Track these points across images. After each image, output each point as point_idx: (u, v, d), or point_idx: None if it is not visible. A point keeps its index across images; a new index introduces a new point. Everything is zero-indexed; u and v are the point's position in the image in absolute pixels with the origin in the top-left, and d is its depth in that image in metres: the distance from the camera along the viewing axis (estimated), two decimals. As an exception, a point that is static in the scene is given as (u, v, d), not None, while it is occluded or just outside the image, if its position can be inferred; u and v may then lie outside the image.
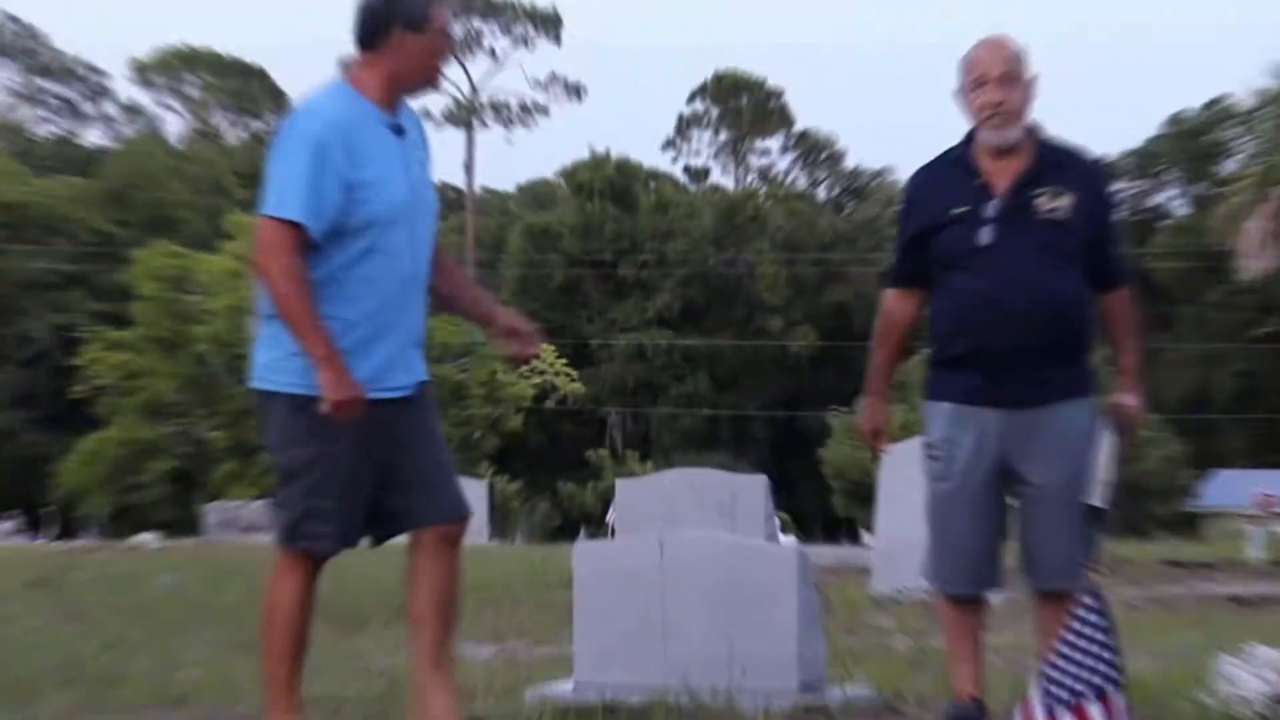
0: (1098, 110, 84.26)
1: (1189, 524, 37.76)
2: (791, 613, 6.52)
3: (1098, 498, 5.72)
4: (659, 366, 52.35)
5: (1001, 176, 5.50)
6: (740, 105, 63.02)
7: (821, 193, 64.65)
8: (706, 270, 53.77)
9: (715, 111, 63.30)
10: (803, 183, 64.70)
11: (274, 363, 5.12)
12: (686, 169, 63.65)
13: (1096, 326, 5.71)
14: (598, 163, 55.11)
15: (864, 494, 32.33)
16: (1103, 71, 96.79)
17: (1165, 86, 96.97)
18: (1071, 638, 4.47)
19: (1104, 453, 5.71)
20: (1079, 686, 4.37)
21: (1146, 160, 55.85)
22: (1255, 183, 24.12)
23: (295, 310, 4.98)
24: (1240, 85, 41.31)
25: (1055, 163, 5.58)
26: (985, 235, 5.46)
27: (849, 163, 64.94)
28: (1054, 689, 4.41)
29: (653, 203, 55.80)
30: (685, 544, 6.81)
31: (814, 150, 64.17)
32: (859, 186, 64.32)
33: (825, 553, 17.04)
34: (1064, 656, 4.46)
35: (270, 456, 5.41)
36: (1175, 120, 55.22)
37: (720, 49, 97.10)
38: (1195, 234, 45.62)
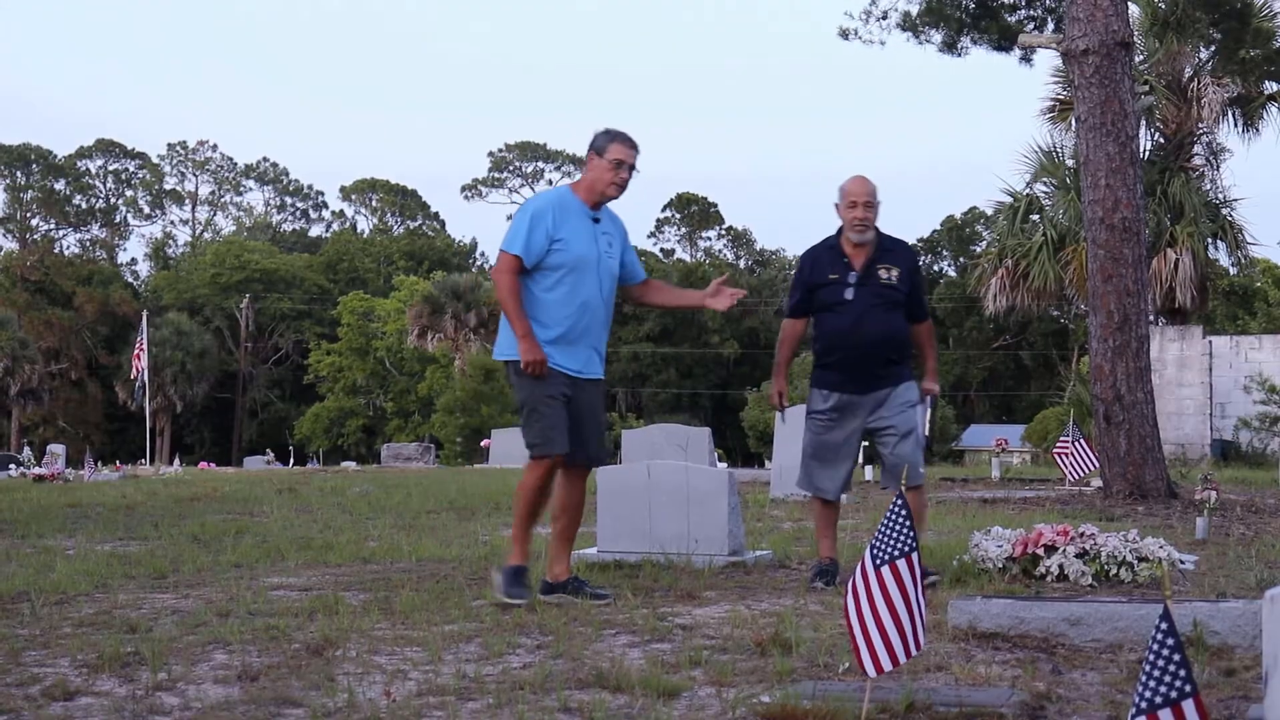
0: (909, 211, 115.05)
1: (957, 456, 51.13)
2: (723, 509, 9.37)
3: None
4: (647, 364, 77.48)
5: (857, 257, 8.36)
6: (692, 211, 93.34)
7: (741, 264, 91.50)
8: (673, 310, 74.71)
9: (678, 215, 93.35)
10: (730, 257, 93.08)
11: (506, 342, 7.72)
12: (661, 249, 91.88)
13: (911, 345, 8.63)
14: None
15: (767, 439, 48.25)
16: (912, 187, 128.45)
17: (942, 198, 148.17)
18: (888, 519, 5.07)
19: (923, 417, 8.82)
20: (893, 549, 4.99)
21: (932, 242, 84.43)
22: (994, 257, 34.18)
23: (508, 305, 7.60)
24: (985, 198, 66.69)
25: (888, 248, 8.47)
26: (849, 293, 8.33)
27: (758, 244, 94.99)
28: (877, 551, 5.04)
29: (644, 268, 73.12)
30: (662, 468, 9.78)
31: (738, 238, 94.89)
32: (764, 259, 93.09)
33: (744, 474, 21.47)
34: (883, 531, 5.06)
35: (515, 399, 7.94)
36: (948, 219, 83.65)
37: (676, 174, 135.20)
38: (960, 286, 66.79)
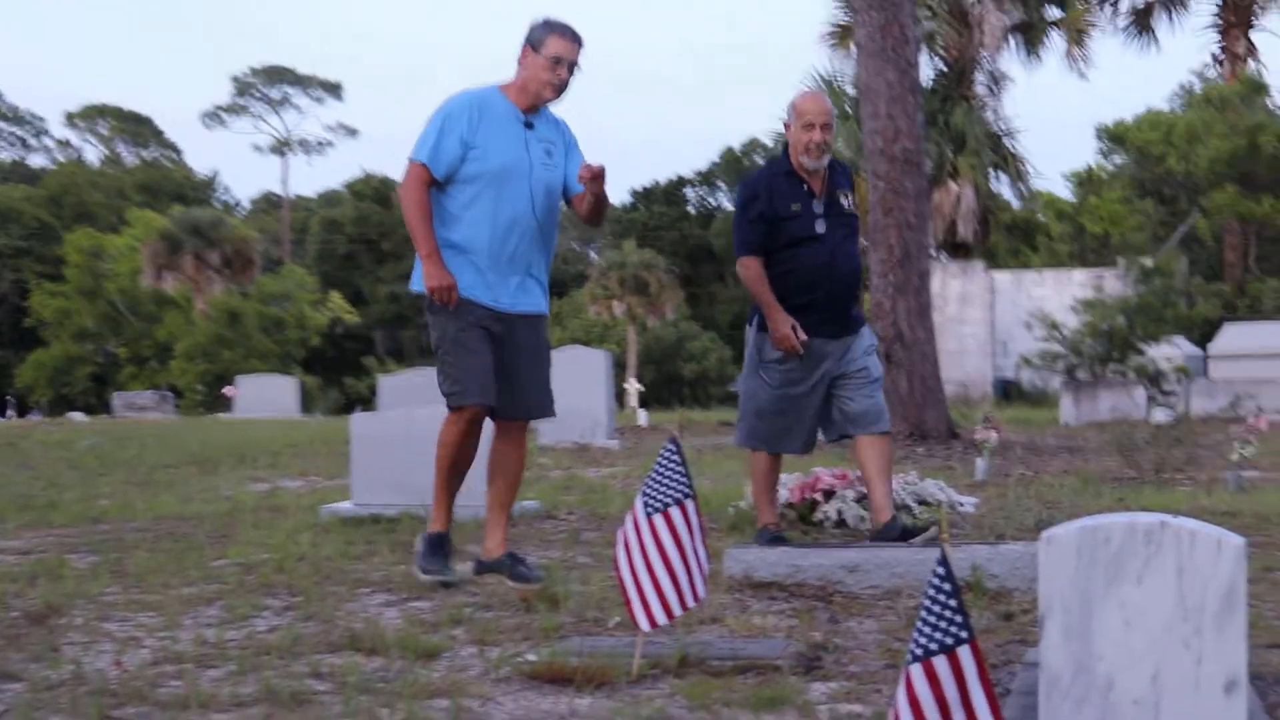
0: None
1: (734, 399, 49.92)
2: (484, 456, 8.53)
3: None
4: (407, 305, 69.58)
5: (816, 184, 7.75)
6: None
7: None
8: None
9: None
10: None
11: (418, 271, 6.87)
12: None
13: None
14: (367, 178, 78.77)
15: None
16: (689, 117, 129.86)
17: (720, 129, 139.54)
18: (660, 466, 5.15)
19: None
20: (666, 498, 5.11)
21: (710, 175, 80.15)
22: None
23: (412, 222, 6.81)
24: (765, 129, 67.53)
25: (840, 171, 7.93)
26: (820, 226, 7.72)
27: None
28: (649, 499, 5.13)
29: None
30: (421, 415, 9.33)
31: None
32: None
33: None
34: (656, 478, 5.15)
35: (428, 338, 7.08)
36: (727, 151, 79.14)
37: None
38: None
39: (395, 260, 75.90)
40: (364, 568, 7.52)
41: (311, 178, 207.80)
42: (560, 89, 6.94)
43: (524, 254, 6.90)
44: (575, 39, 6.98)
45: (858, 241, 7.98)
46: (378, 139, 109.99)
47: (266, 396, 30.03)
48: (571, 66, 6.94)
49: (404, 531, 8.74)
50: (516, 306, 6.92)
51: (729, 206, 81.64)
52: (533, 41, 6.91)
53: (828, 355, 7.77)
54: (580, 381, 16.59)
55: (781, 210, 7.72)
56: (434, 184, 6.84)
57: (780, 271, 7.73)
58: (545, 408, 7.23)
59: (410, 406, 9.98)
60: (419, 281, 6.90)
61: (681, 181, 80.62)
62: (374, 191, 78.79)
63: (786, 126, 7.84)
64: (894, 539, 7.33)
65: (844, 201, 7.84)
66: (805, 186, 7.75)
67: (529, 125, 6.92)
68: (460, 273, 6.80)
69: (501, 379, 6.91)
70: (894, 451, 8.31)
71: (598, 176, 6.75)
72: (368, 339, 73.25)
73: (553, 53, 6.86)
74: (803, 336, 7.66)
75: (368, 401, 43.57)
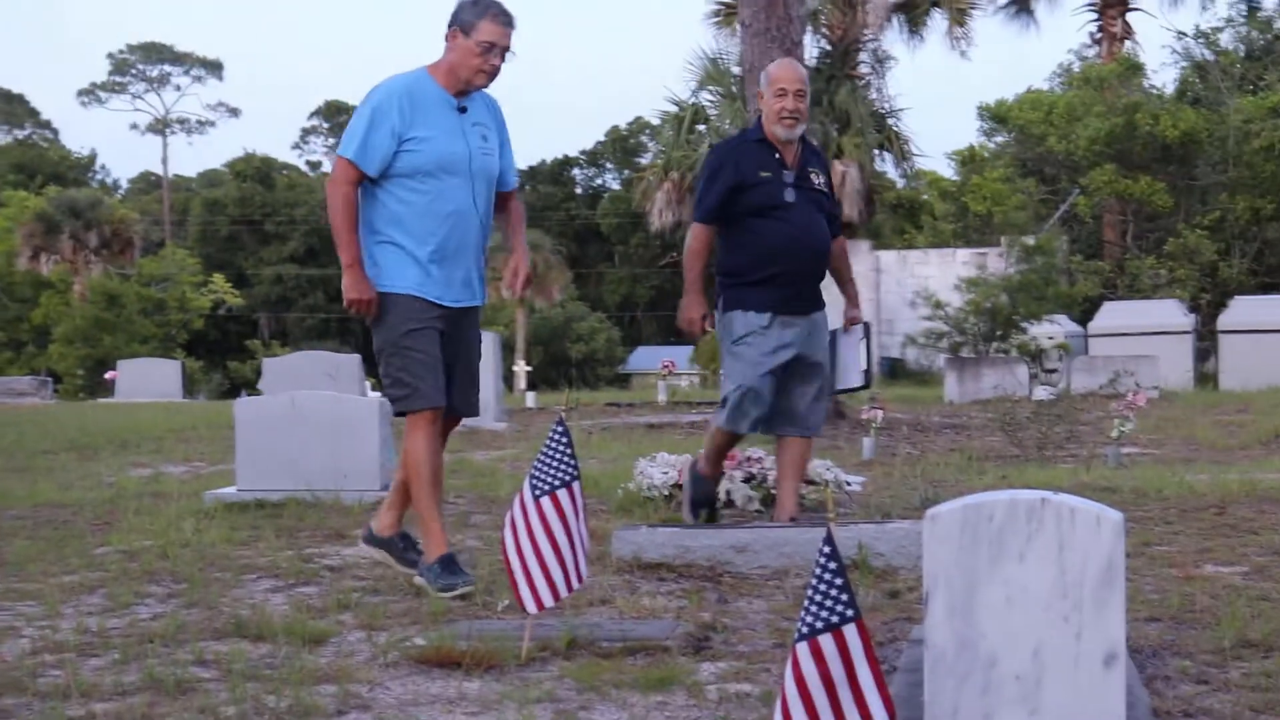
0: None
1: (623, 380, 52.14)
2: (375, 440, 9.24)
3: (860, 379, 7.98)
4: (291, 287, 74.26)
5: (788, 154, 7.45)
6: (342, 120, 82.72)
7: None
8: (320, 226, 73.20)
9: (326, 125, 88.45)
10: None
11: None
12: (307, 161, 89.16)
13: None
14: (249, 157, 78.63)
15: None
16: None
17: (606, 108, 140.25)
18: (548, 448, 5.20)
19: (862, 349, 7.87)
20: (554, 479, 5.14)
21: (596, 154, 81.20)
22: (659, 170, 34.55)
23: (337, 224, 6.35)
24: (651, 108, 64.60)
25: (813, 151, 7.68)
26: (789, 195, 7.40)
27: None
28: (537, 482, 5.16)
29: (286, 182, 78.44)
30: (307, 398, 9.56)
31: None
32: None
33: None
34: (543, 460, 5.18)
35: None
36: (613, 130, 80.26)
37: (328, 81, 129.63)
38: (625, 201, 63.59)
39: (279, 241, 76.31)
40: (249, 554, 7.45)
41: (192, 157, 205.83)
42: (492, 76, 6.48)
43: (467, 247, 6.46)
44: (508, 22, 6.49)
45: (826, 220, 7.61)
46: (260, 117, 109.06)
47: (148, 381, 29.61)
48: (504, 52, 6.47)
49: (290, 517, 8.67)
50: (461, 301, 6.51)
51: (615, 186, 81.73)
52: (462, 24, 6.40)
53: (794, 331, 7.43)
54: (468, 364, 16.54)
55: (749, 177, 7.42)
56: (366, 180, 6.37)
57: (745, 240, 7.45)
58: (474, 406, 6.81)
59: (295, 390, 9.90)
60: (382, 284, 6.43)
61: (568, 161, 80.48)
62: (256, 171, 78.93)
63: (760, 96, 7.59)
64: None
65: (815, 178, 7.56)
66: (777, 155, 7.46)
67: (462, 110, 6.46)
68: (404, 270, 6.38)
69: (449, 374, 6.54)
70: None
71: (526, 282, 6.63)
72: (252, 322, 72.85)
73: (484, 38, 6.36)
74: (709, 329, 7.63)
75: (252, 385, 43.30)
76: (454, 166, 6.35)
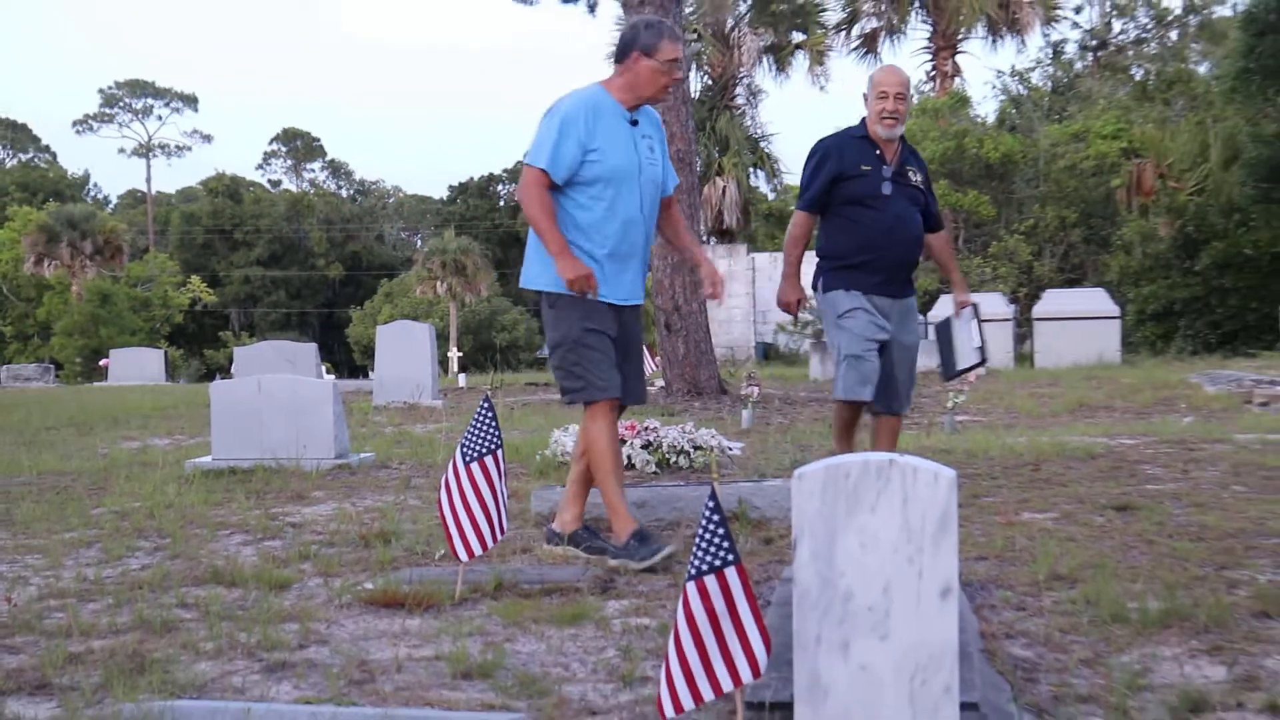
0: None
1: (541, 364, 52.02)
2: (329, 415, 9.26)
3: (977, 356, 7.31)
4: (258, 286, 75.39)
5: (888, 152, 6.95)
6: (297, 145, 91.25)
7: (343, 193, 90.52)
8: (283, 234, 77.70)
9: (284, 149, 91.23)
10: (332, 187, 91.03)
11: (536, 268, 5.88)
12: (269, 180, 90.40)
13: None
14: (220, 177, 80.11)
15: (370, 352, 46.22)
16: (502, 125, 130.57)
17: (525, 131, 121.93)
18: (477, 420, 5.18)
19: (974, 328, 7.30)
20: (482, 446, 5.15)
21: (516, 172, 76.54)
22: None
23: (539, 221, 5.75)
24: None
25: (912, 152, 7.13)
26: (886, 188, 6.88)
27: (357, 175, 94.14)
28: (468, 449, 5.16)
29: (251, 197, 79.12)
30: (272, 381, 9.48)
31: (338, 170, 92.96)
32: (364, 189, 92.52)
33: (349, 384, 21.53)
34: (473, 430, 5.16)
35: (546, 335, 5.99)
36: None
37: (285, 112, 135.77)
38: None
39: (247, 248, 77.01)
40: (223, 513, 7.39)
41: (172, 177, 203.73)
42: (674, 90, 6.04)
43: (636, 250, 5.95)
44: (680, 39, 6.08)
45: (922, 214, 7.07)
46: (229, 142, 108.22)
47: (137, 367, 29.16)
48: (679, 66, 6.04)
49: (258, 481, 8.60)
50: (628, 300, 6.00)
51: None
52: (644, 47, 5.91)
53: (890, 314, 6.95)
54: (409, 351, 16.46)
55: (850, 169, 6.90)
56: (552, 187, 5.85)
57: (845, 226, 6.94)
58: (641, 394, 6.18)
59: (261, 374, 9.77)
60: (536, 278, 5.91)
61: (493, 178, 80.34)
62: (226, 188, 79.31)
63: (865, 98, 7.04)
64: None
65: (912, 176, 7.02)
66: (877, 152, 6.95)
67: (633, 123, 5.97)
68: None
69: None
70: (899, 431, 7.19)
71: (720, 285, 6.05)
72: (224, 316, 72.86)
73: (669, 57, 5.91)
74: (805, 309, 6.97)
75: (225, 370, 42.90)
76: (626, 176, 5.87)
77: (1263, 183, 28.13)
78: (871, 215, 6.85)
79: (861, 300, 6.87)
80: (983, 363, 7.41)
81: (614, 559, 5.72)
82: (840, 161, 6.91)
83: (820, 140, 7.07)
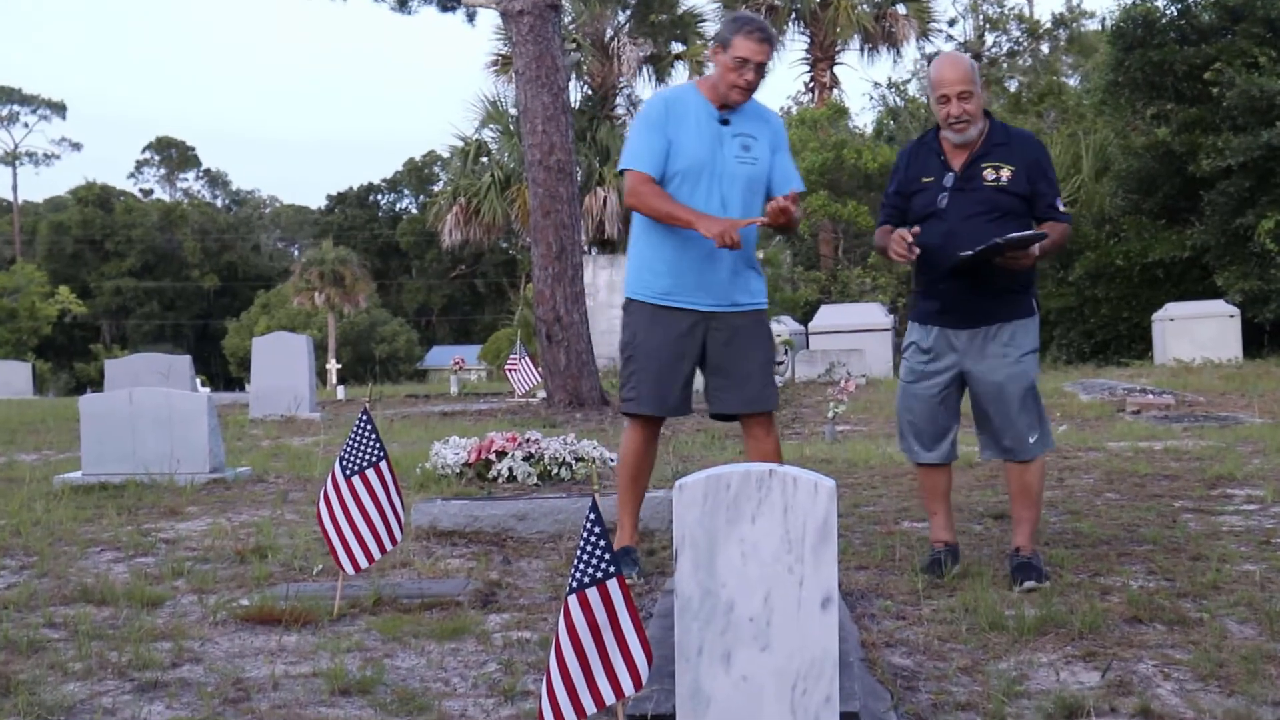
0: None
1: (420, 375, 51.39)
2: (204, 429, 9.14)
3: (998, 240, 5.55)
4: (130, 298, 74.77)
5: (956, 157, 5.76)
6: (171, 154, 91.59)
7: (218, 203, 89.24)
8: (156, 244, 77.21)
9: (158, 158, 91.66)
10: (207, 197, 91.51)
11: (631, 278, 5.70)
12: (141, 189, 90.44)
13: (1035, 268, 5.75)
14: (90, 186, 78.46)
15: (246, 364, 41.46)
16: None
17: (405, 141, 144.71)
18: (355, 433, 5.15)
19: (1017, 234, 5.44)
20: (363, 460, 5.11)
21: (395, 181, 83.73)
22: (449, 196, 34.74)
23: (660, 207, 5.49)
24: (441, 143, 68.41)
25: (1000, 142, 5.79)
26: (943, 200, 5.72)
27: (234, 185, 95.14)
28: (346, 463, 5.13)
29: (123, 207, 78.65)
30: (144, 394, 9.31)
31: (214, 179, 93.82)
32: (240, 199, 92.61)
33: (224, 397, 21.28)
34: (351, 444, 5.13)
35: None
36: (409, 161, 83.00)
37: (159, 120, 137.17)
38: (421, 222, 66.62)
39: (118, 258, 76.51)
40: (94, 529, 7.24)
41: (40, 185, 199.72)
42: (748, 91, 5.63)
43: (721, 250, 5.52)
44: (765, 39, 5.64)
45: (1008, 219, 5.71)
46: (99, 150, 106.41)
47: (1, 381, 28.49)
48: (760, 68, 5.62)
49: (130, 497, 8.44)
50: (717, 306, 5.63)
51: (414, 210, 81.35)
52: (720, 40, 5.65)
53: (954, 348, 5.79)
54: (286, 363, 16.31)
55: (914, 184, 5.89)
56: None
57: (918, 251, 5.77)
58: (768, 399, 5.75)
59: (134, 387, 9.58)
60: (630, 287, 5.73)
61: (372, 188, 79.88)
62: (96, 197, 78.34)
63: (929, 101, 5.98)
64: (1024, 579, 5.38)
65: (989, 174, 5.76)
66: (942, 158, 5.84)
67: (724, 121, 5.62)
68: (657, 278, 5.64)
69: (718, 377, 5.71)
70: (1041, 480, 5.84)
71: (784, 210, 5.43)
72: (95, 327, 71.64)
73: (739, 54, 5.56)
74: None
75: (96, 383, 42.02)
76: (703, 173, 5.54)
77: (1132, 194, 28.84)
78: (927, 233, 5.75)
79: (920, 334, 5.93)
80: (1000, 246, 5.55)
81: None
82: (906, 173, 5.98)
83: (904, 147, 6.19)
